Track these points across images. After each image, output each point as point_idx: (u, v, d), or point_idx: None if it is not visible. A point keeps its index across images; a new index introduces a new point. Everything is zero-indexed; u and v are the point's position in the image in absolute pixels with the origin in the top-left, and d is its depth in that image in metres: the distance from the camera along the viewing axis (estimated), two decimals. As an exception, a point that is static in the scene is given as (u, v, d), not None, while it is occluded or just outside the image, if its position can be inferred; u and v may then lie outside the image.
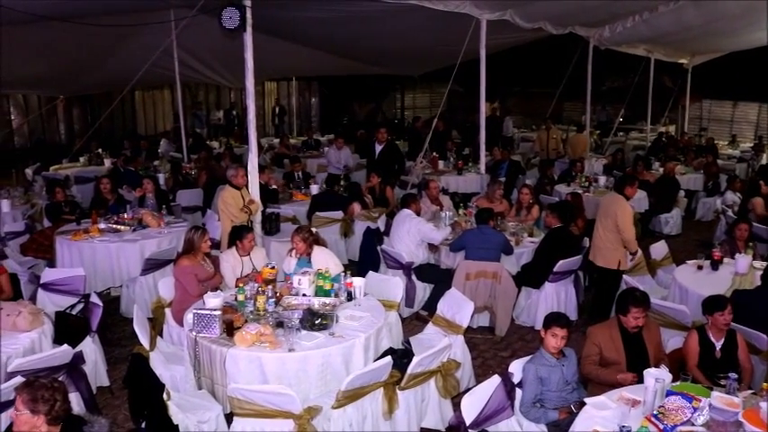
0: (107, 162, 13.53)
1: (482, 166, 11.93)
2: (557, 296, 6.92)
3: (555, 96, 14.93)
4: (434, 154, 13.08)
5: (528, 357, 4.49)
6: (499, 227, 7.58)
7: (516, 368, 4.45)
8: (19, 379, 3.99)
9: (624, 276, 6.52)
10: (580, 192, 9.98)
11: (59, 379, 3.87)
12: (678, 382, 4.03)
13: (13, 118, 18.77)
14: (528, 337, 6.86)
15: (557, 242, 7.02)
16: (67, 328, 5.40)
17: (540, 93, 20.40)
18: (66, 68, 13.06)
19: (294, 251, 6.10)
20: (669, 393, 3.85)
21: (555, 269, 6.74)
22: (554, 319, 4.42)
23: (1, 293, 5.68)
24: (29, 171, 13.23)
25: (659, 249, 7.47)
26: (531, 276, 7.04)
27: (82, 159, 14.16)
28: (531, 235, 7.82)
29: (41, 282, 6.34)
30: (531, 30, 11.09)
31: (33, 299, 6.29)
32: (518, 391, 4.38)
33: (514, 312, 7.09)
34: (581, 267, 7.26)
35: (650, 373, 3.92)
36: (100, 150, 14.55)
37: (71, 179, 12.20)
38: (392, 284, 5.91)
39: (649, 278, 7.22)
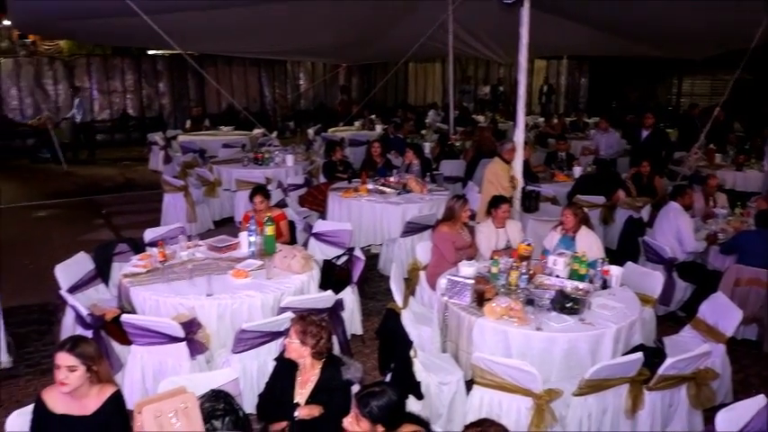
0: (378, 128, 14.43)
1: (767, 163, 10.71)
2: None
3: None
4: (711, 146, 12.01)
5: (803, 382, 4.00)
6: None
7: (787, 392, 3.98)
8: (289, 314, 4.44)
9: None
10: None
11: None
12: None
13: (301, 83, 20.82)
14: (802, 361, 6.10)
15: None
16: (332, 276, 5.83)
17: None
18: (350, 40, 14.03)
19: (560, 227, 6.02)
20: None
21: None
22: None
23: (280, 236, 6.26)
24: (310, 131, 14.62)
25: None
26: (816, 292, 6.21)
27: (356, 124, 15.29)
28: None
29: (313, 231, 6.96)
30: None
31: (305, 246, 6.90)
32: (786, 418, 3.93)
33: (789, 330, 6.32)
34: None
35: None
36: (373, 117, 15.58)
37: (346, 141, 13.16)
38: (651, 278, 5.57)
39: None
